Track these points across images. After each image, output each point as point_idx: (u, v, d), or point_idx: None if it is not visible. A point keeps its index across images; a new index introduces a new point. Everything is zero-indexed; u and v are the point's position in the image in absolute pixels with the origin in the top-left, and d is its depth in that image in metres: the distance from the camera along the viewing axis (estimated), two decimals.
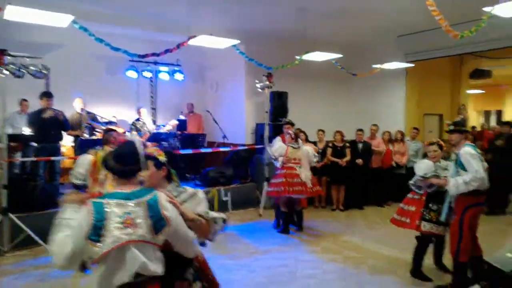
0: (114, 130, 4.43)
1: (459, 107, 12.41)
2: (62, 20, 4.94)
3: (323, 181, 7.64)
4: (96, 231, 1.78)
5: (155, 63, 8.56)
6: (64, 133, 6.59)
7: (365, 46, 8.94)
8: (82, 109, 7.01)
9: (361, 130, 7.85)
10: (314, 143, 7.63)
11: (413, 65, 9.57)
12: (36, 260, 4.90)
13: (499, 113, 16.79)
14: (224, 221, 2.37)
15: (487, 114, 17.60)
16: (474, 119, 16.07)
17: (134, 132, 7.72)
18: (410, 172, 7.89)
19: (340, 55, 7.48)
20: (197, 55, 8.69)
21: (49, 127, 6.17)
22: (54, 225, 1.93)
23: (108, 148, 3.94)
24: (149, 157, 2.19)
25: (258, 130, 8.26)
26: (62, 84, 7.27)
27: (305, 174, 5.99)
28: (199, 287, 2.34)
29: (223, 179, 7.56)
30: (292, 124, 6.53)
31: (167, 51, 6.06)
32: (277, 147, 6.16)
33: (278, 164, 6.22)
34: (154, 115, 9.03)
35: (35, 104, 6.46)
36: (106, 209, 1.83)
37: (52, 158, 6.20)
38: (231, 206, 7.47)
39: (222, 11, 6.66)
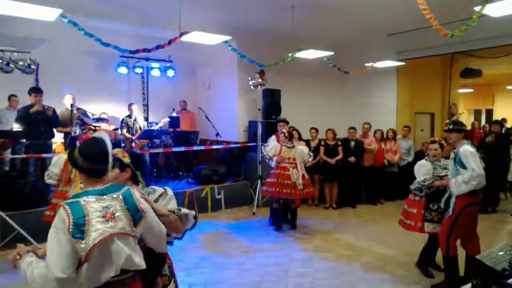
0: (95, 128, 4.31)
1: (449, 106, 12.50)
2: (49, 13, 4.80)
3: (316, 179, 7.65)
4: (79, 228, 1.74)
5: (147, 59, 8.46)
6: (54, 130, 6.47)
7: (356, 45, 8.95)
8: (72, 105, 6.90)
9: (353, 128, 7.86)
10: (307, 141, 7.62)
11: (404, 63, 9.63)
12: None
13: (489, 112, 16.97)
14: (195, 217, 2.42)
15: (477, 113, 17.78)
16: (465, 118, 16.22)
17: (125, 129, 7.64)
18: (402, 170, 8.02)
19: (332, 53, 7.47)
20: (189, 52, 8.60)
21: (38, 123, 6.02)
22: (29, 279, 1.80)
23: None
24: (113, 158, 2.17)
25: (251, 127, 8.21)
26: (51, 79, 7.14)
27: (297, 174, 5.93)
28: (174, 282, 2.41)
29: (216, 177, 7.50)
30: (287, 122, 6.51)
31: (158, 47, 5.97)
32: (271, 147, 6.11)
33: (272, 164, 6.20)
34: (145, 111, 8.93)
35: (25, 100, 6.31)
36: (84, 206, 1.80)
37: (43, 155, 6.09)
38: (224, 204, 7.43)
39: (215, 7, 6.60)
